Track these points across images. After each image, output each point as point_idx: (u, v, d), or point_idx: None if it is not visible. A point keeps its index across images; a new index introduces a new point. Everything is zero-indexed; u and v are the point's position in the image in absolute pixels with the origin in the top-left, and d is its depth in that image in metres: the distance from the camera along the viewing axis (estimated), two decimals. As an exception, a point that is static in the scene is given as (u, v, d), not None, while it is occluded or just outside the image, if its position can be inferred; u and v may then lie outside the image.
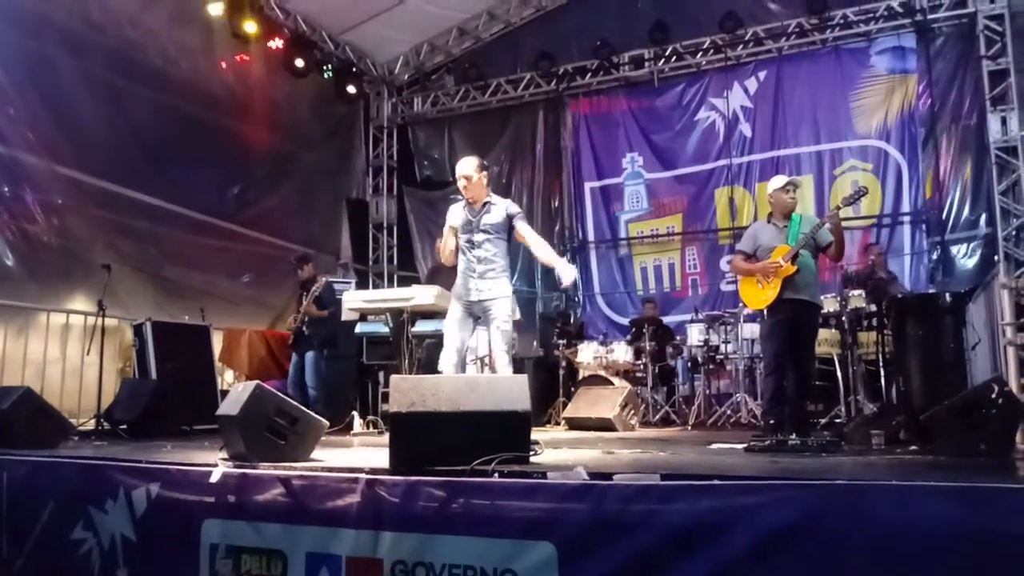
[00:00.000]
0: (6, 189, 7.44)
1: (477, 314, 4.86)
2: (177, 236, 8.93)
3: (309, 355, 7.46)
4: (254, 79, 10.08)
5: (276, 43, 9.86)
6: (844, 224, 5.36)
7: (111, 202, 8.23)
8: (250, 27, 9.27)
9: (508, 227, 4.87)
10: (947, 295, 5.52)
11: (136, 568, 3.62)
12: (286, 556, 3.25)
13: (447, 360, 4.81)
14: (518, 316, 5.00)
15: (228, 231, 9.65)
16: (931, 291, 8.45)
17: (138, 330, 7.65)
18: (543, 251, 4.92)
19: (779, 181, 5.61)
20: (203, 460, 3.81)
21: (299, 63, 10.15)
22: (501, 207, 4.89)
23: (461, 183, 4.86)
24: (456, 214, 4.96)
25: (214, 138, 9.43)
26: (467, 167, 4.87)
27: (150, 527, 3.60)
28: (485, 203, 4.88)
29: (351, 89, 11.13)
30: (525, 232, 4.88)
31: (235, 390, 4.21)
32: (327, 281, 7.67)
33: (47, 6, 7.76)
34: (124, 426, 6.66)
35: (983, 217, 8.94)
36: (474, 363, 7.01)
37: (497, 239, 4.85)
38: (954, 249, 9.10)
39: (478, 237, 4.82)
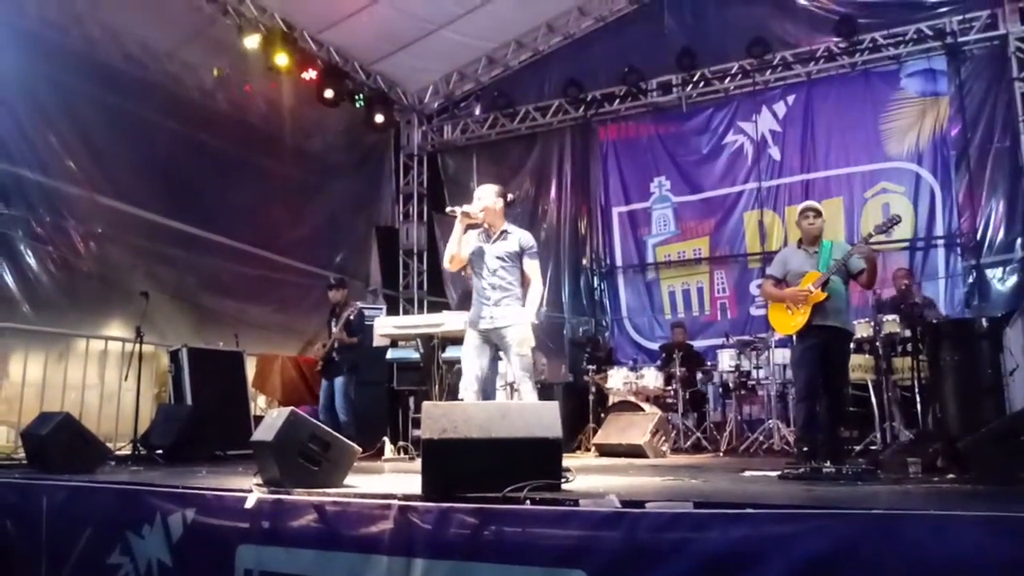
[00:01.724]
0: (48, 219, 7.66)
1: (494, 341, 4.83)
2: (212, 264, 9.11)
3: (338, 381, 7.49)
4: (288, 109, 10.30)
5: (310, 74, 10.06)
6: (876, 248, 5.32)
7: (149, 231, 8.44)
8: (282, 59, 9.47)
9: (520, 257, 4.87)
10: (983, 320, 5.44)
11: (172, 593, 3.66)
12: (319, 582, 3.27)
13: (467, 388, 4.78)
14: (533, 344, 4.85)
15: (261, 258, 9.81)
16: (967, 316, 8.31)
17: (174, 356, 7.78)
18: (531, 295, 4.83)
19: (800, 207, 5.63)
20: (238, 485, 3.85)
21: (331, 93, 10.35)
22: (516, 237, 4.90)
23: (480, 202, 4.87)
24: (470, 238, 4.94)
25: (249, 167, 9.64)
26: (484, 192, 4.93)
27: (186, 552, 3.64)
28: (502, 231, 4.90)
29: (382, 118, 11.29)
30: (531, 271, 4.87)
31: (270, 416, 4.26)
32: (360, 308, 7.72)
33: (88, 44, 8.02)
34: (160, 451, 6.76)
35: (1019, 240, 8.80)
36: (503, 389, 7.03)
37: (512, 267, 4.84)
38: (989, 273, 8.95)
39: (493, 264, 4.82)
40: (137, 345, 7.02)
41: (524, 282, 4.91)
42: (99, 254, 7.97)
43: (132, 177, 8.31)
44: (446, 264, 5.07)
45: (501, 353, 4.93)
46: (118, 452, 6.67)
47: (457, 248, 4.87)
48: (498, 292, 4.78)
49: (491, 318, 4.76)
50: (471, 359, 4.80)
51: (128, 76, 8.37)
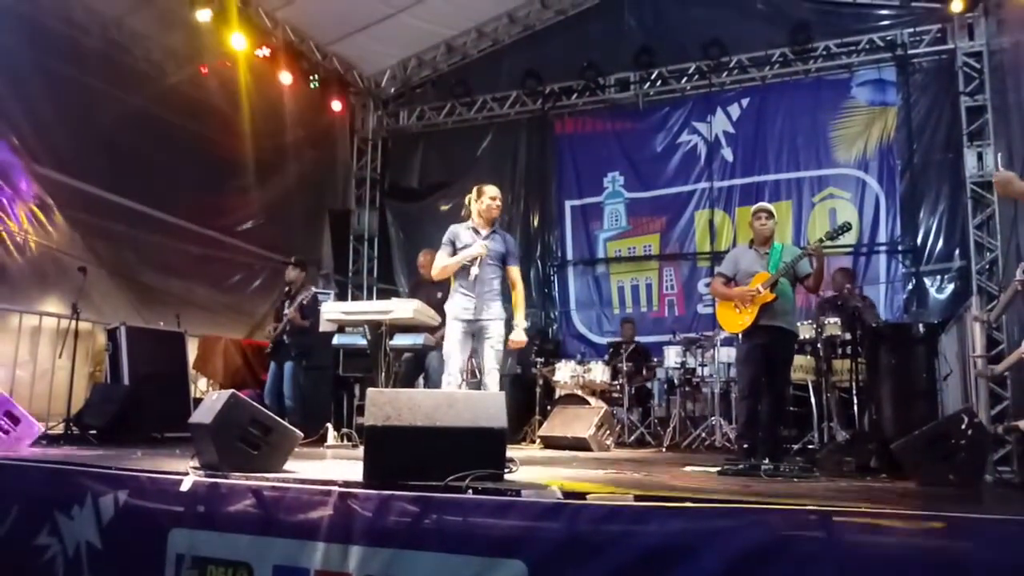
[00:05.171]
0: (-19, 189, 7.36)
1: (473, 332, 5.16)
2: (156, 241, 8.84)
3: (288, 365, 7.39)
4: (239, 86, 10.04)
5: (264, 52, 9.84)
6: (824, 252, 5.43)
7: (90, 204, 8.14)
8: (238, 38, 9.25)
9: (504, 259, 5.27)
10: (920, 326, 5.60)
11: (100, 576, 3.56)
12: (253, 568, 3.20)
13: (451, 380, 5.07)
14: (521, 338, 5.37)
15: (208, 238, 9.58)
16: (905, 321, 8.54)
17: (112, 334, 7.56)
18: (519, 300, 5.36)
19: (753, 208, 5.72)
20: (173, 468, 3.76)
21: (286, 72, 10.16)
22: (503, 239, 5.31)
23: (496, 203, 5.30)
24: (461, 234, 5.26)
25: (197, 144, 9.36)
26: (498, 192, 5.38)
27: (116, 535, 3.55)
28: (492, 231, 5.27)
29: (337, 100, 11.13)
30: (516, 275, 5.34)
31: (209, 398, 4.17)
32: (314, 292, 7.60)
33: (30, 6, 7.70)
34: (94, 431, 6.57)
35: (957, 251, 9.05)
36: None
37: (497, 266, 5.23)
38: (928, 281, 9.19)
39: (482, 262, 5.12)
40: (73, 322, 6.82)
41: (506, 282, 5.32)
42: (36, 226, 7.67)
43: (73, 148, 7.99)
44: (435, 274, 5.38)
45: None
46: (50, 431, 6.46)
47: (455, 267, 5.20)
48: (483, 286, 5.11)
49: (477, 310, 5.08)
50: (456, 352, 5.12)
51: (72, 42, 8.05)
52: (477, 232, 5.24)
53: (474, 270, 5.08)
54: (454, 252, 5.23)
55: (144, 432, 6.76)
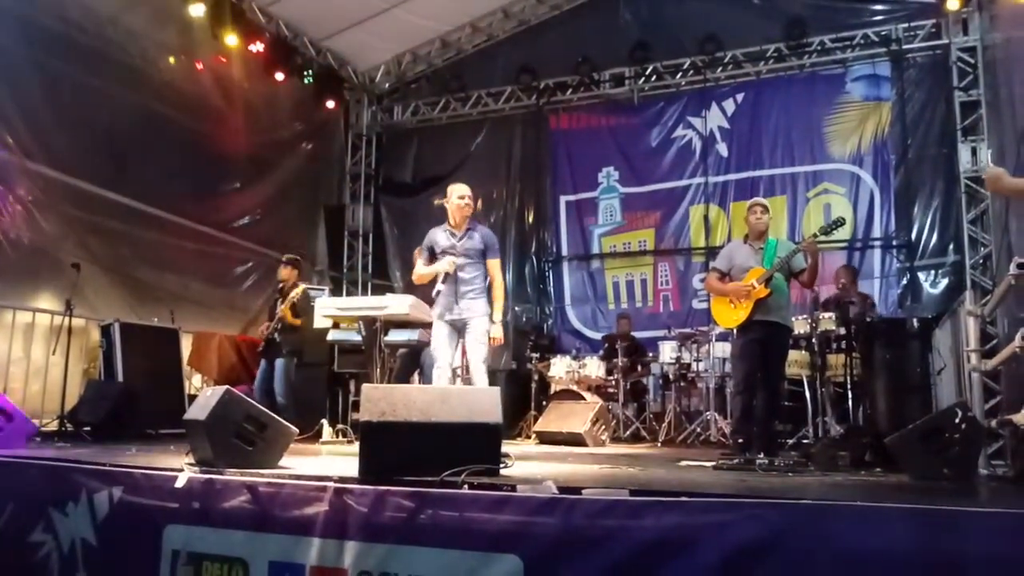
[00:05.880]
0: (-27, 185, 7.32)
1: (459, 328, 5.22)
2: (150, 237, 8.81)
3: (279, 362, 7.37)
4: (234, 82, 10.02)
5: (257, 47, 9.80)
6: (818, 247, 5.43)
7: (84, 201, 8.11)
8: (230, 36, 9.25)
9: (484, 255, 5.31)
10: (914, 320, 5.61)
11: (95, 573, 3.56)
12: (248, 564, 3.21)
13: (442, 376, 5.15)
14: (496, 335, 5.30)
15: (203, 234, 9.55)
16: (899, 316, 8.55)
17: (106, 331, 7.54)
18: (497, 295, 5.34)
19: (749, 203, 5.72)
20: (168, 464, 3.76)
21: (279, 68, 10.13)
22: (480, 235, 5.33)
23: (464, 201, 5.31)
24: (438, 237, 5.33)
25: (192, 140, 9.33)
26: (467, 189, 5.38)
27: (111, 531, 3.55)
28: (468, 229, 5.30)
29: (331, 96, 11.10)
30: (494, 270, 5.37)
31: (204, 395, 4.17)
32: (305, 289, 7.60)
33: (26, 4, 7.66)
34: (88, 428, 6.56)
35: (951, 245, 9.07)
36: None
37: (476, 263, 5.27)
38: (922, 275, 9.20)
39: (460, 260, 5.18)
40: (67, 318, 6.80)
41: (487, 278, 5.33)
42: (29, 222, 7.63)
43: (67, 144, 7.95)
44: (414, 280, 5.56)
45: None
46: (44, 428, 6.44)
47: (428, 278, 5.29)
48: (463, 286, 5.19)
49: (459, 309, 5.15)
50: (443, 349, 5.21)
51: (67, 39, 8.01)
52: (453, 233, 5.29)
53: (439, 286, 5.13)
54: (432, 256, 5.32)
55: (138, 429, 6.74)
